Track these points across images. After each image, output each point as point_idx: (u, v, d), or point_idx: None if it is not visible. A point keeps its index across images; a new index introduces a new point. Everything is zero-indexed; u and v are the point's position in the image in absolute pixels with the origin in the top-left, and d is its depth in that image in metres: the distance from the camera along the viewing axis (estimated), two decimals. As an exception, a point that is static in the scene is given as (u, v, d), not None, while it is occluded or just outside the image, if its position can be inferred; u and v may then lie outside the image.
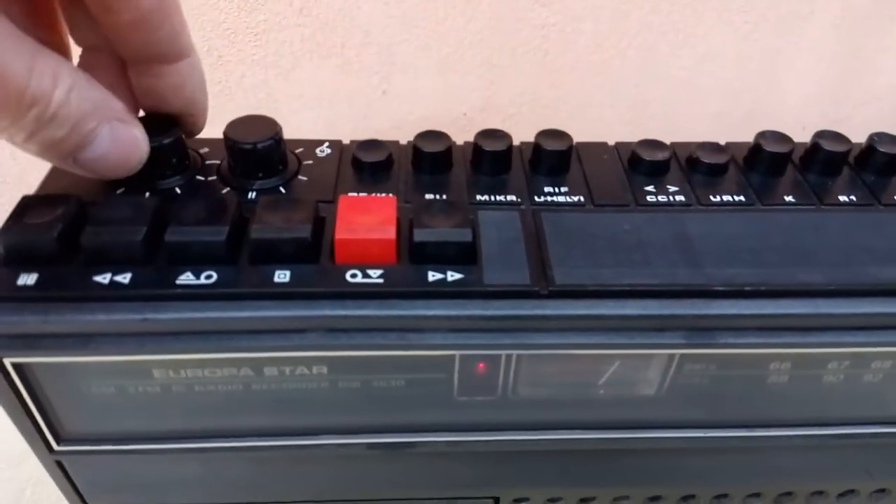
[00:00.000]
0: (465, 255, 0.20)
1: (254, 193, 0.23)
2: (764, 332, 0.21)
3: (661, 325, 0.20)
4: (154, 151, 0.22)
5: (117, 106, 0.20)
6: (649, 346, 0.21)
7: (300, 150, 0.25)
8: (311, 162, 0.24)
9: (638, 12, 0.52)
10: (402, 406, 0.23)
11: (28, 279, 0.19)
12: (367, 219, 0.20)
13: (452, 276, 0.20)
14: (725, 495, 0.27)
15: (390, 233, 0.20)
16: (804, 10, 0.52)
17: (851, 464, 0.26)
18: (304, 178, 0.23)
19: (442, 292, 0.20)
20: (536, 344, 0.20)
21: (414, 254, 0.20)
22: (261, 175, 0.23)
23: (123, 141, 0.20)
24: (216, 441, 0.23)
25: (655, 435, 0.24)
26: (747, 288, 0.20)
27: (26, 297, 0.19)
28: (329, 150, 0.25)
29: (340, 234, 0.20)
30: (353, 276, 0.20)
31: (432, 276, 0.20)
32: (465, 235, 0.20)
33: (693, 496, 0.27)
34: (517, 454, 0.25)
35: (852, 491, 0.27)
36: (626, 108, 0.52)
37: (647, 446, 0.25)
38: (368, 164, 0.24)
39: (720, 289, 0.20)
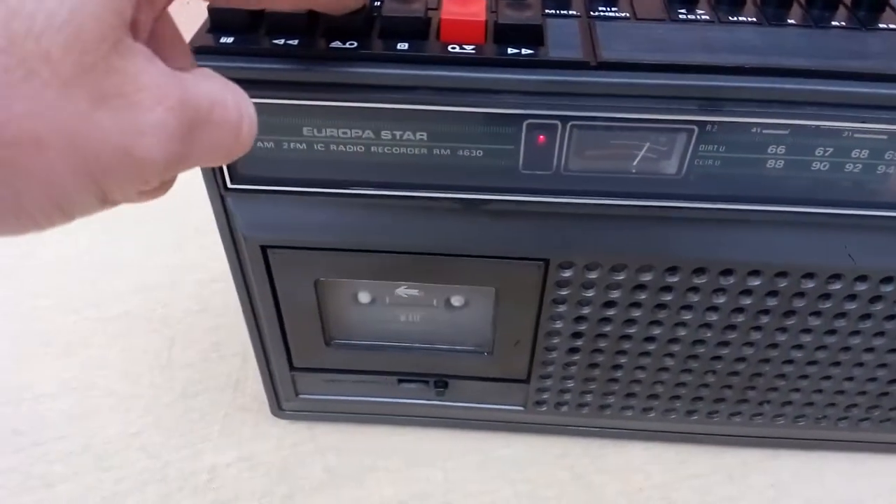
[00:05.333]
0: (534, 38, 0.28)
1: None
2: (761, 103, 0.27)
3: (679, 94, 0.27)
4: None
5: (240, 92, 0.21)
6: (672, 111, 0.28)
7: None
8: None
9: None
10: (481, 175, 0.31)
11: (228, 39, 0.27)
12: (465, 9, 0.28)
13: (525, 51, 0.27)
14: (731, 271, 0.34)
15: (481, 17, 0.27)
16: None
17: (834, 245, 0.32)
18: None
19: (517, 61, 0.27)
20: (587, 105, 0.28)
21: (498, 35, 0.28)
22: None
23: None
24: (347, 189, 0.31)
25: (673, 204, 0.31)
26: (746, 66, 0.27)
27: (226, 51, 0.27)
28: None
29: (444, 16, 0.27)
30: (453, 48, 0.27)
31: (511, 51, 0.27)
32: (535, 20, 0.27)
33: (704, 270, 0.34)
34: (568, 220, 0.32)
35: (838, 276, 0.33)
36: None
37: (666, 214, 0.31)
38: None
39: (726, 65, 0.27)
